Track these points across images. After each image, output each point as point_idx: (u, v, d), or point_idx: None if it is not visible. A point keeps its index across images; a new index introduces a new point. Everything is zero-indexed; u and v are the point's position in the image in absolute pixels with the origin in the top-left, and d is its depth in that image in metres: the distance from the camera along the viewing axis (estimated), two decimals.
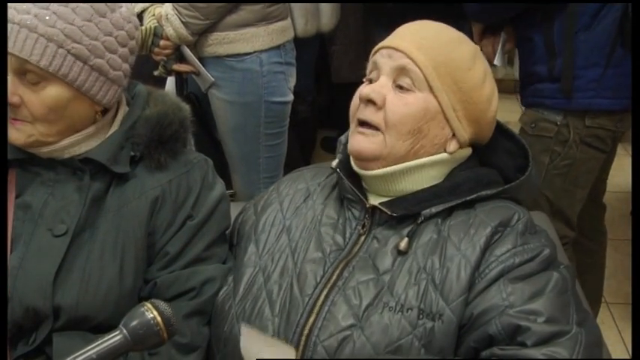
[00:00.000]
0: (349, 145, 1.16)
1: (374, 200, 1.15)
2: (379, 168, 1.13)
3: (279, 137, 2.11)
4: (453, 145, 1.14)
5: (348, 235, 1.14)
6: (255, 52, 1.95)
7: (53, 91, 1.10)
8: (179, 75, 2.10)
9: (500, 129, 1.23)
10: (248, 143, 2.07)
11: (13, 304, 1.07)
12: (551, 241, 1.11)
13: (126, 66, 1.17)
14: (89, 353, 0.85)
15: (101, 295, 1.10)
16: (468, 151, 1.19)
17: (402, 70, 1.11)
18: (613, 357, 1.24)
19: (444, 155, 1.14)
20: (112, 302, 1.11)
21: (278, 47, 1.99)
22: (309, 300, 1.07)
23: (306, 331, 1.04)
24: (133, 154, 1.19)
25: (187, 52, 1.97)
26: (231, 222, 1.30)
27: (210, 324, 1.18)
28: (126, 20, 1.16)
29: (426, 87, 1.11)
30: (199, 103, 2.15)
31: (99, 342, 0.87)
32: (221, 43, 1.94)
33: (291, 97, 2.09)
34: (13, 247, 1.10)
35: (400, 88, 1.11)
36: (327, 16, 2.53)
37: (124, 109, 1.23)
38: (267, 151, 2.10)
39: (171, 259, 1.17)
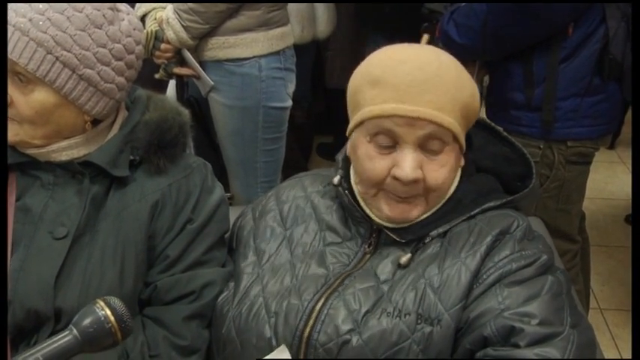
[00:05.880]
0: (385, 211, 1.10)
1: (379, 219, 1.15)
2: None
3: (277, 142, 2.12)
4: (462, 160, 1.14)
5: (353, 253, 1.15)
6: (254, 57, 1.96)
7: (40, 96, 1.10)
8: (180, 78, 2.11)
9: (499, 136, 1.24)
10: (246, 147, 2.08)
11: (14, 307, 1.07)
12: (548, 247, 1.12)
13: (120, 79, 1.16)
14: (36, 355, 0.80)
15: None
16: None
17: (429, 137, 1.05)
18: None
19: (458, 173, 1.15)
20: None
21: (277, 53, 2.01)
22: (308, 304, 1.08)
23: (305, 335, 1.05)
24: (132, 158, 1.19)
25: (188, 55, 1.99)
26: (230, 225, 1.30)
27: (211, 327, 1.19)
28: (125, 34, 1.15)
29: (452, 140, 1.07)
30: (199, 106, 2.16)
31: (47, 342, 0.82)
32: (221, 47, 1.95)
33: (289, 103, 2.10)
34: (13, 249, 1.10)
35: (431, 151, 1.07)
36: (324, 23, 2.54)
37: (123, 114, 1.24)
38: (265, 156, 2.10)
39: (171, 263, 1.18)
